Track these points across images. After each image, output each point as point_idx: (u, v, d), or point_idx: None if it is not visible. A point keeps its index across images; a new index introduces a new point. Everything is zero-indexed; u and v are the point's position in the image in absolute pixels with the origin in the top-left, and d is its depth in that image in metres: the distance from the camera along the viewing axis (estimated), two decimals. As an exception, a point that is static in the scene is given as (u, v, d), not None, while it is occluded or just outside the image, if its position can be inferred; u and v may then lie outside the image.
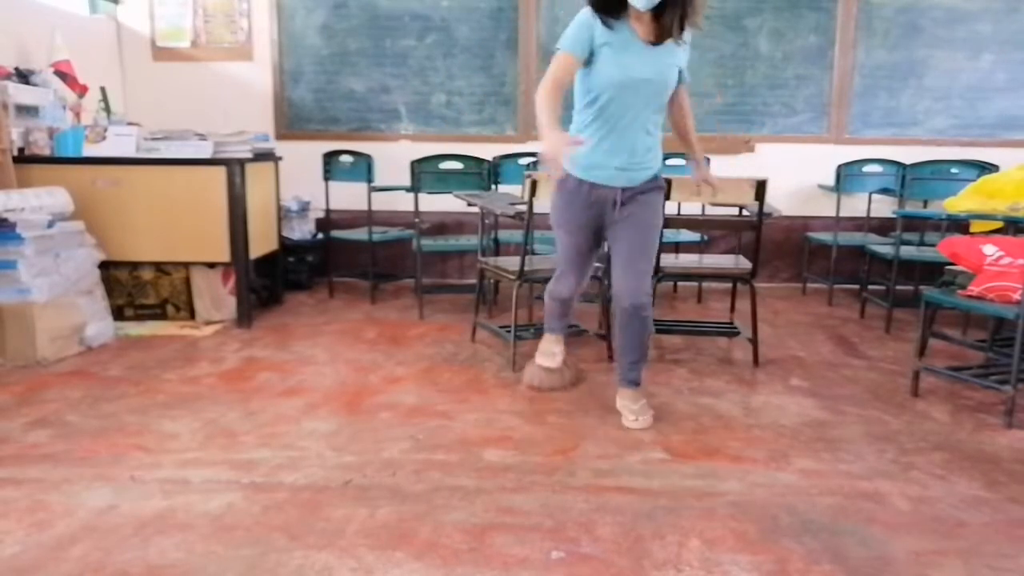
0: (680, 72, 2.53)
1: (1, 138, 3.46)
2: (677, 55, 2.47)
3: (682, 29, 2.39)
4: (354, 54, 5.02)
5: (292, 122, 5.12)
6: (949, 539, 1.89)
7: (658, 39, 2.39)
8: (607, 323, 3.50)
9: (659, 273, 3.35)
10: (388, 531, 1.88)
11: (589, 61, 2.39)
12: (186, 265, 3.90)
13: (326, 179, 4.53)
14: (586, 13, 2.38)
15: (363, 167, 4.39)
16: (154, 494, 2.06)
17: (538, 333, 3.62)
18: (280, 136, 5.01)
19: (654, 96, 2.46)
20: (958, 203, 3.34)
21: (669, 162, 4.66)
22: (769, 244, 4.82)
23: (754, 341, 3.36)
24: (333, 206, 4.58)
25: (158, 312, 3.95)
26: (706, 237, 4.73)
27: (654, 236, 2.58)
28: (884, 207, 4.81)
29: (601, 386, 3.00)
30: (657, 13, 2.35)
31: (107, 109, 4.34)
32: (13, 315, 3.18)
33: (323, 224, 4.75)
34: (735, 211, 3.87)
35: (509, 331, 3.25)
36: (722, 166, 4.82)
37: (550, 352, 2.91)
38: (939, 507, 2.05)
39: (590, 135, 2.46)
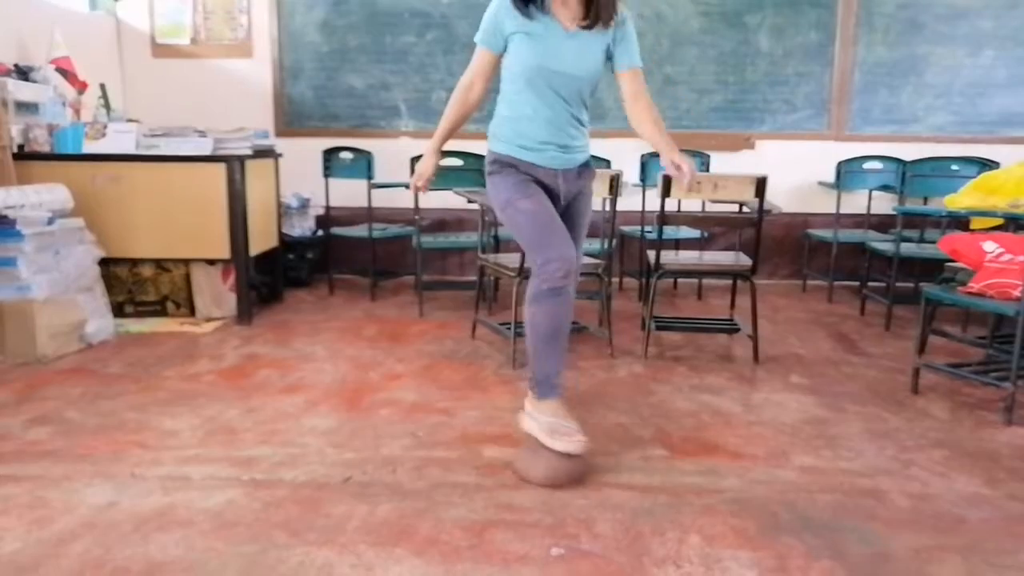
0: (624, 58, 2.29)
1: (1, 135, 3.45)
2: (606, 42, 2.26)
3: (614, 10, 2.21)
4: (354, 51, 5.02)
5: (292, 119, 5.12)
6: (949, 536, 1.89)
7: (588, 22, 2.20)
8: (608, 320, 3.50)
9: (659, 270, 3.36)
10: (388, 528, 1.88)
11: (504, 50, 2.28)
12: (186, 262, 3.89)
13: (326, 176, 4.53)
14: (496, 1, 2.24)
15: (363, 164, 4.39)
16: (154, 491, 2.06)
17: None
18: (280, 133, 5.00)
19: (576, 90, 2.27)
20: (958, 200, 3.34)
21: (669, 159, 4.66)
22: (769, 241, 4.82)
23: (754, 338, 3.36)
24: (333, 203, 4.58)
25: (158, 309, 3.95)
26: (706, 234, 4.73)
27: (586, 226, 2.45)
28: (884, 204, 4.81)
29: (601, 383, 3.00)
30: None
31: (107, 106, 4.33)
32: (13, 312, 3.18)
33: (323, 221, 4.75)
34: (735, 208, 3.87)
35: (509, 328, 3.25)
36: (722, 163, 4.83)
37: (564, 427, 2.16)
38: (939, 504, 2.05)
39: (519, 110, 2.30)
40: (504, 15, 2.23)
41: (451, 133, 2.48)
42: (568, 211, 2.38)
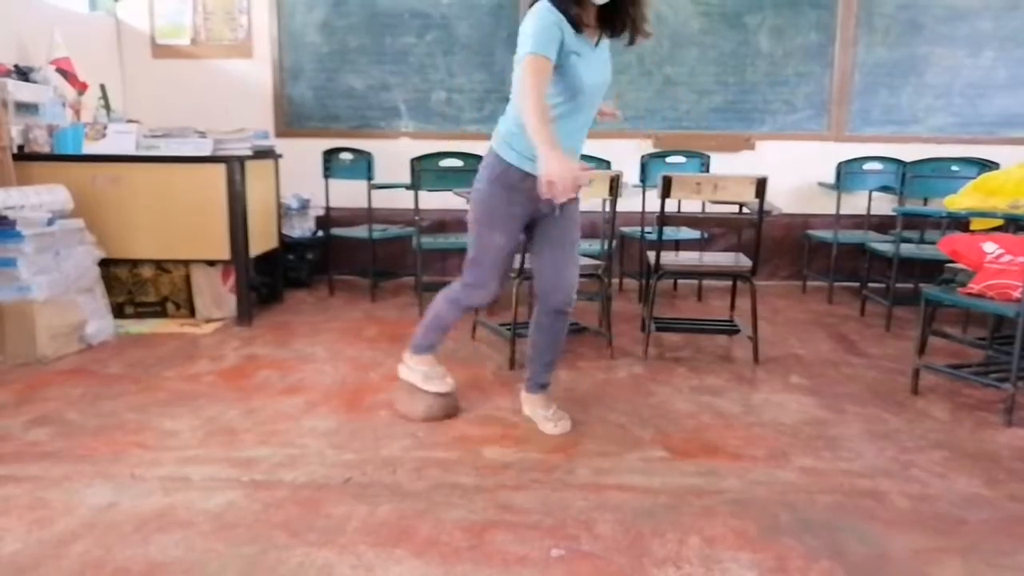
0: None
1: (1, 135, 3.46)
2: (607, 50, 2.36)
3: (634, 30, 2.28)
4: (354, 51, 5.02)
5: (292, 119, 5.12)
6: (949, 537, 1.89)
7: (627, 42, 2.30)
8: (608, 321, 3.50)
9: (659, 271, 3.36)
10: (388, 529, 1.88)
11: (557, 66, 2.18)
12: (186, 263, 3.89)
13: (326, 177, 4.53)
14: (549, 12, 2.15)
15: (363, 165, 4.39)
16: (154, 492, 2.06)
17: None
18: (280, 133, 5.00)
19: (600, 99, 2.38)
20: (958, 201, 3.34)
21: (669, 160, 4.67)
22: (769, 242, 4.82)
23: (754, 339, 3.36)
24: (333, 204, 4.58)
25: (158, 310, 3.95)
26: (706, 235, 4.73)
27: (579, 227, 2.52)
28: (884, 205, 4.81)
29: (601, 384, 3.00)
30: (603, 12, 2.23)
31: (107, 106, 4.34)
32: (13, 313, 3.18)
33: (323, 222, 4.75)
34: (735, 209, 3.87)
35: (509, 329, 3.25)
36: (722, 164, 4.83)
37: (439, 375, 2.65)
38: (939, 505, 2.05)
39: (559, 125, 2.24)
40: (563, 29, 2.16)
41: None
42: (562, 220, 2.44)
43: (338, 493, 2.07)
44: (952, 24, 4.83)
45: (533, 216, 2.43)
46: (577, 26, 2.19)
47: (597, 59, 2.29)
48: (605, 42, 2.33)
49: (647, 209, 4.53)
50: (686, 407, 2.77)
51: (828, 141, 4.97)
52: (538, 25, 2.14)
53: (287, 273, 4.61)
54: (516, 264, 3.16)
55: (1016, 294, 2.59)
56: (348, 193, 4.55)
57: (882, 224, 4.78)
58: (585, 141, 2.43)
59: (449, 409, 2.65)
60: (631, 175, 4.46)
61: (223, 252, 3.79)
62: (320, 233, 4.86)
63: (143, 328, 3.75)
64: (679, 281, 4.95)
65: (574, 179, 2.02)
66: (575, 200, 2.46)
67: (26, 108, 3.78)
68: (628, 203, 4.33)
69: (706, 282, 4.79)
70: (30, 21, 4.17)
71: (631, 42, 2.32)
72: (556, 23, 2.15)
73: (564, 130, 2.27)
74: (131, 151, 3.73)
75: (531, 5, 2.22)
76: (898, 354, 3.48)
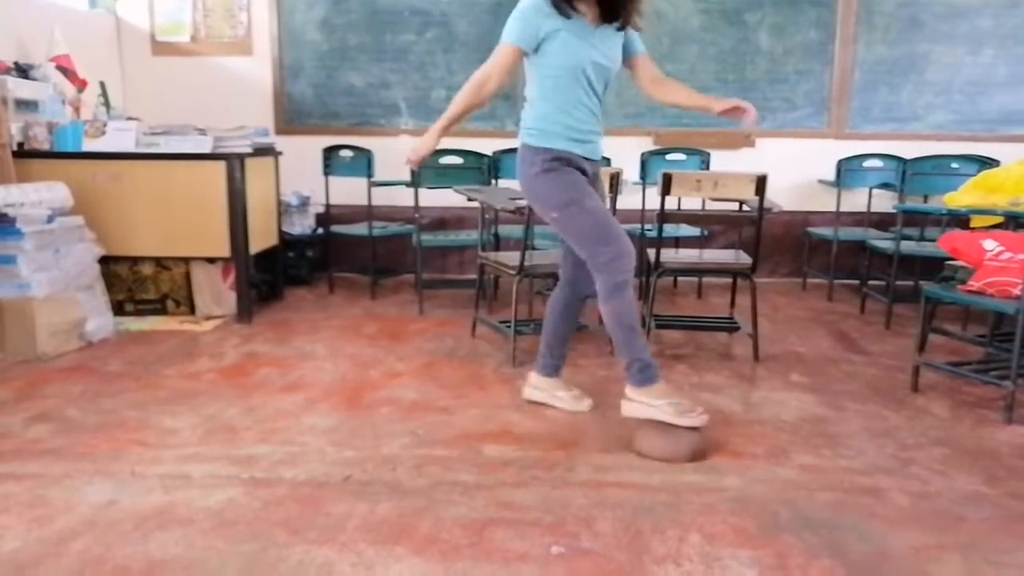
0: (636, 44, 2.54)
1: (1, 132, 3.45)
2: (621, 36, 2.47)
3: (629, 15, 2.40)
4: (354, 49, 5.01)
5: (292, 117, 5.11)
6: (949, 534, 1.89)
7: (606, 19, 2.39)
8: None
9: (659, 268, 3.36)
10: (388, 526, 1.88)
11: (536, 50, 2.37)
12: (186, 260, 3.89)
13: (326, 174, 4.53)
14: (531, 3, 2.34)
15: (363, 162, 4.39)
16: (154, 489, 2.06)
17: (538, 328, 3.62)
18: (280, 131, 5.00)
19: (605, 82, 2.46)
20: (958, 198, 3.34)
21: (669, 157, 4.67)
22: (769, 239, 4.82)
23: (754, 336, 3.36)
24: (333, 201, 4.58)
25: (158, 307, 3.95)
26: (706, 232, 4.73)
27: None
28: (884, 202, 4.81)
29: (601, 381, 3.00)
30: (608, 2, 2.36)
31: (106, 104, 4.33)
32: (13, 310, 3.18)
33: (323, 219, 4.75)
34: (735, 206, 3.87)
35: (509, 326, 3.25)
36: (722, 161, 4.83)
37: (687, 405, 2.33)
38: (939, 502, 2.05)
39: (567, 103, 2.41)
40: (541, 16, 2.34)
41: (457, 121, 2.52)
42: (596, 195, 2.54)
43: (338, 491, 2.07)
44: (952, 21, 4.82)
45: None
46: (563, 12, 2.32)
47: (599, 40, 2.40)
48: (612, 28, 2.42)
49: (647, 206, 4.52)
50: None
51: (828, 138, 4.97)
52: (518, 15, 2.36)
53: (287, 270, 4.61)
54: (518, 262, 3.16)
55: (1016, 291, 2.59)
56: (348, 190, 4.54)
57: (882, 221, 4.78)
58: (600, 128, 2.52)
59: (703, 445, 2.32)
60: (631, 172, 4.45)
61: (223, 249, 3.79)
62: (320, 230, 4.86)
63: (143, 325, 3.75)
64: (679, 278, 4.95)
65: (422, 157, 2.50)
66: (603, 188, 2.63)
67: (26, 105, 3.77)
68: (628, 200, 4.31)
69: (706, 279, 4.79)
70: (30, 18, 4.17)
71: (621, 28, 2.44)
72: (535, 8, 2.33)
73: (585, 113, 2.43)
74: (131, 148, 3.73)
75: None
76: (898, 351, 3.48)
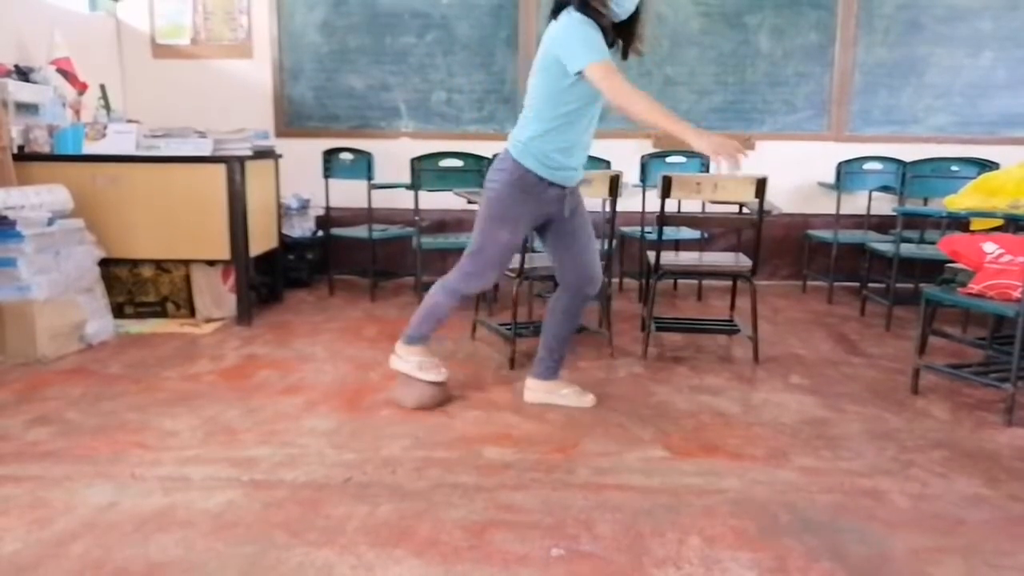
0: None
1: (1, 135, 3.46)
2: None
3: (628, 46, 2.49)
4: (354, 51, 5.02)
5: (292, 119, 5.12)
6: (949, 536, 1.89)
7: (629, 58, 2.51)
8: (608, 320, 3.50)
9: (659, 271, 3.36)
10: (388, 528, 1.88)
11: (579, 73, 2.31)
12: (186, 263, 3.89)
13: (326, 176, 4.53)
14: (590, 23, 2.31)
15: (363, 165, 4.39)
16: (154, 491, 2.06)
17: (538, 331, 3.62)
18: (280, 133, 5.00)
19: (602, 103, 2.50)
20: (958, 201, 3.34)
21: (669, 159, 4.67)
22: (769, 242, 4.82)
23: (754, 339, 3.36)
24: (333, 204, 4.58)
25: (158, 310, 3.95)
26: (706, 234, 4.73)
27: (591, 225, 2.71)
28: (884, 205, 4.81)
29: (601, 383, 3.00)
30: (617, 28, 2.43)
31: (107, 106, 4.34)
32: (13, 313, 3.18)
33: (323, 222, 4.75)
34: (735, 208, 3.87)
35: (509, 329, 3.25)
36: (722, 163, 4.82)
37: (434, 364, 2.71)
38: (939, 504, 2.05)
39: (558, 139, 2.43)
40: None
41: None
42: (574, 219, 2.60)
43: (338, 493, 2.07)
44: (952, 24, 4.83)
45: (545, 219, 2.58)
46: (606, 37, 2.36)
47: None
48: (616, 55, 2.48)
49: (647, 209, 4.53)
50: (686, 407, 2.77)
51: (828, 141, 4.97)
52: (587, 34, 2.29)
53: (287, 273, 4.61)
54: (517, 264, 3.16)
55: (1016, 294, 2.59)
56: (348, 193, 4.55)
57: (882, 224, 4.78)
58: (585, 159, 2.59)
59: (441, 398, 2.72)
60: (631, 175, 4.45)
61: (223, 252, 3.79)
62: (320, 233, 4.86)
63: (143, 328, 3.75)
64: (679, 281, 4.95)
65: (735, 145, 2.30)
66: (580, 201, 2.65)
67: (26, 108, 3.78)
68: (628, 203, 4.33)
69: (706, 282, 4.79)
70: (30, 21, 4.17)
71: (624, 56, 2.52)
72: (597, 31, 2.32)
73: (584, 147, 2.50)
74: (131, 151, 3.73)
75: (554, 14, 2.38)
76: (898, 354, 3.48)
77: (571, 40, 2.29)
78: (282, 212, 4.50)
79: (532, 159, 2.45)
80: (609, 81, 2.27)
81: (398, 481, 2.14)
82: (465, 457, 2.31)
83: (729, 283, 4.04)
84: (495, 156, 4.47)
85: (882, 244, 4.29)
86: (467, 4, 4.93)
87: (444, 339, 3.63)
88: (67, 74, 4.11)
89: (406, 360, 2.71)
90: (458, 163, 4.16)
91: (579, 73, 2.29)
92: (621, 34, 2.46)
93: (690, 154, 4.68)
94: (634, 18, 2.43)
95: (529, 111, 2.47)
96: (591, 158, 4.17)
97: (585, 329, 3.68)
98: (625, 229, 4.66)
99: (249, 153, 3.84)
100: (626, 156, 4.65)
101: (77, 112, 4.16)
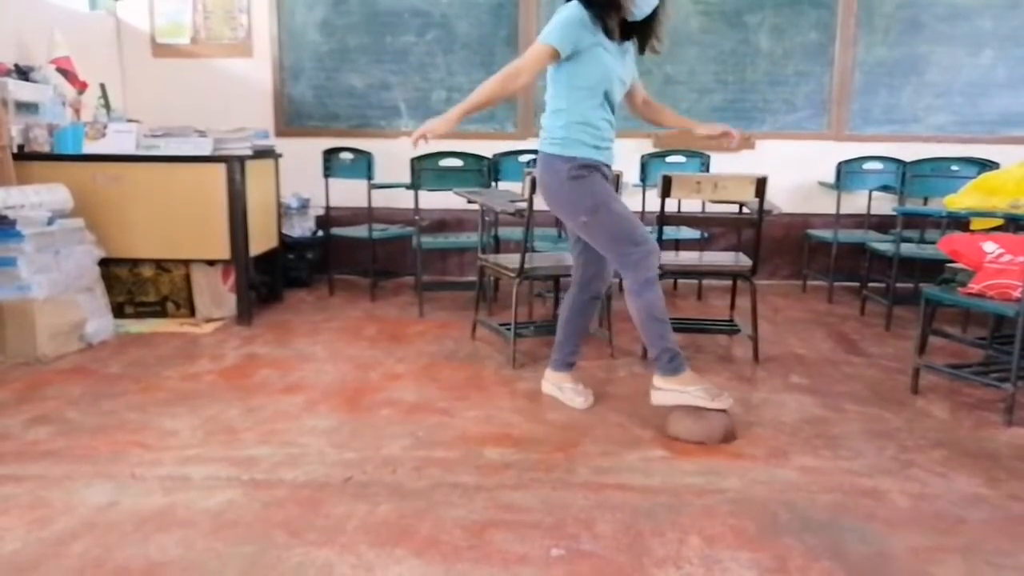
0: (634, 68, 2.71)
1: (1, 134, 3.45)
2: (633, 57, 2.63)
3: (652, 41, 2.57)
4: (354, 50, 5.02)
5: (292, 119, 5.12)
6: (949, 536, 1.89)
7: (625, 38, 2.53)
8: (608, 320, 3.50)
9: (660, 270, 3.35)
10: (388, 528, 1.88)
11: (568, 58, 2.44)
12: (186, 262, 3.89)
13: (326, 176, 4.53)
14: (577, 11, 2.40)
15: (363, 164, 4.39)
16: (154, 491, 2.06)
17: (538, 331, 3.63)
18: (280, 133, 5.00)
19: (621, 95, 2.62)
20: (958, 200, 3.34)
21: (669, 159, 4.67)
22: (769, 241, 4.82)
23: (754, 338, 3.36)
24: (333, 203, 4.58)
25: (158, 309, 3.95)
26: (706, 234, 4.73)
27: None
28: (884, 204, 4.81)
29: (601, 383, 3.00)
30: (626, 23, 2.49)
31: (107, 106, 4.33)
32: (13, 312, 3.18)
33: (323, 221, 4.75)
34: (735, 208, 3.87)
35: (509, 329, 3.25)
36: (722, 163, 4.83)
37: (716, 390, 2.48)
38: (939, 504, 2.05)
39: (592, 119, 2.51)
40: (583, 28, 2.41)
41: (478, 108, 2.54)
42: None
43: (338, 492, 2.07)
44: (952, 23, 4.82)
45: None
46: (606, 30, 2.43)
47: (622, 58, 2.54)
48: (629, 45, 2.57)
49: (647, 209, 4.53)
50: (686, 406, 2.76)
51: (828, 140, 4.97)
52: (561, 19, 2.41)
53: (287, 272, 4.61)
54: (518, 264, 3.16)
55: (1016, 294, 2.59)
56: (348, 193, 4.54)
57: (882, 224, 4.78)
58: (614, 139, 2.62)
59: (732, 426, 2.46)
60: (631, 175, 4.45)
61: (223, 252, 3.79)
62: (320, 233, 4.86)
63: (143, 327, 3.75)
64: (679, 280, 4.95)
65: (434, 135, 2.44)
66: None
67: (26, 107, 3.77)
68: (628, 203, 4.28)
69: (706, 281, 4.79)
70: (30, 20, 4.17)
71: (641, 52, 2.60)
72: (580, 20, 2.39)
73: (607, 125, 2.54)
74: (131, 150, 3.73)
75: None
76: (898, 353, 3.48)
77: (553, 23, 2.44)
78: (282, 212, 4.50)
79: (582, 146, 2.50)
80: (521, 58, 2.46)
81: (398, 480, 2.14)
82: (465, 457, 2.31)
83: (729, 283, 4.04)
84: (495, 155, 4.48)
85: (882, 244, 4.29)
86: (467, 3, 4.92)
87: (444, 339, 3.63)
88: (67, 73, 4.10)
89: (683, 391, 2.47)
90: (458, 163, 4.16)
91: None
92: (639, 32, 2.53)
93: (690, 154, 4.68)
94: (653, 17, 2.49)
95: (553, 107, 2.56)
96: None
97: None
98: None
99: (249, 152, 3.84)
100: (626, 155, 4.62)
101: (77, 111, 4.15)
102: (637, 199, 4.57)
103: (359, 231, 4.49)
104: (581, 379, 2.87)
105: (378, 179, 4.42)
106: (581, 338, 2.86)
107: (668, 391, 2.50)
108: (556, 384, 2.83)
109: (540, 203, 2.94)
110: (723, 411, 2.44)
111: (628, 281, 2.50)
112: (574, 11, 2.41)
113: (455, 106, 2.50)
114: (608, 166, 2.61)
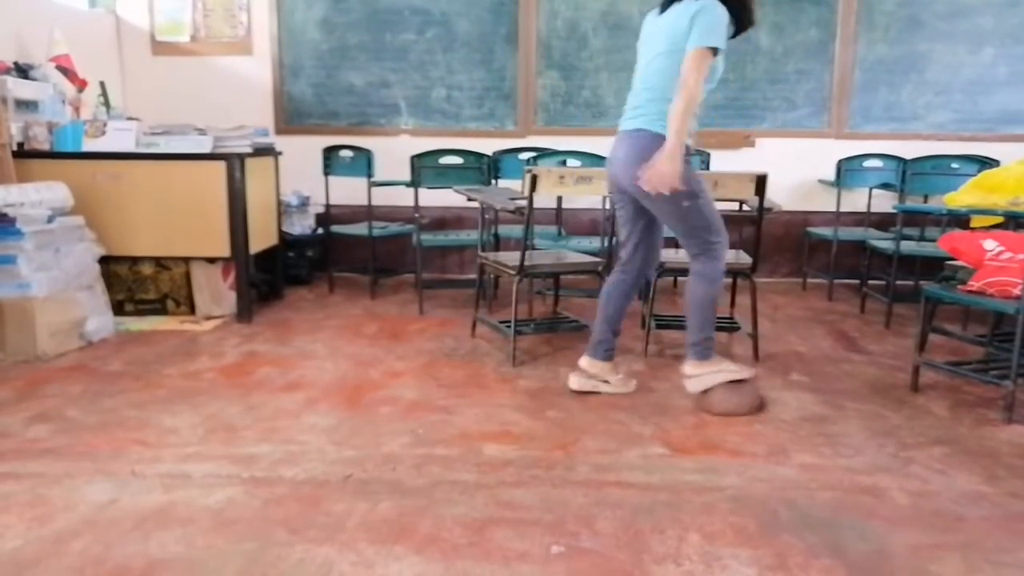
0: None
1: (1, 132, 3.45)
2: None
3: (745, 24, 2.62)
4: (354, 48, 5.02)
5: (292, 117, 5.12)
6: (948, 533, 1.89)
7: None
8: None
9: (660, 268, 3.36)
10: (388, 525, 1.88)
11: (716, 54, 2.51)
12: (186, 260, 3.89)
13: (326, 174, 4.53)
14: (723, 10, 2.46)
15: (363, 162, 4.39)
16: (154, 488, 2.06)
17: (538, 328, 3.63)
18: (280, 131, 5.00)
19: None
20: (958, 198, 3.33)
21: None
22: (769, 239, 4.82)
23: (754, 336, 3.36)
24: (333, 201, 4.58)
25: (158, 307, 3.95)
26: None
27: None
28: (884, 202, 4.81)
29: (601, 381, 3.00)
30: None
31: (106, 104, 4.33)
32: (13, 310, 3.18)
33: (323, 219, 4.75)
34: (735, 206, 3.87)
35: (509, 326, 3.25)
36: (722, 161, 4.83)
37: (738, 365, 2.73)
38: (938, 501, 2.05)
39: (696, 110, 2.57)
40: (728, 26, 2.50)
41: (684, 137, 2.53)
42: None
43: (338, 490, 2.07)
44: (952, 21, 4.82)
45: None
46: (740, 25, 2.53)
47: None
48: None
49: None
50: (686, 404, 2.76)
51: (828, 138, 4.97)
52: (715, 21, 2.45)
53: (287, 270, 4.61)
54: (518, 262, 3.16)
55: (1016, 291, 2.59)
56: (348, 190, 4.54)
57: (882, 221, 4.78)
58: None
59: (756, 396, 2.71)
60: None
61: (223, 249, 3.79)
62: (320, 230, 4.86)
63: (143, 325, 3.76)
64: (679, 278, 4.95)
65: (672, 183, 2.43)
66: None
67: (26, 105, 3.78)
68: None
69: (706, 279, 4.78)
70: (30, 18, 4.17)
71: (736, 33, 2.59)
72: (726, 19, 2.47)
73: (697, 111, 2.56)
74: (131, 148, 3.73)
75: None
76: (898, 351, 3.48)
77: (704, 21, 2.44)
78: (282, 209, 4.50)
79: (688, 135, 2.53)
80: (697, 65, 2.43)
81: (398, 478, 2.14)
82: (465, 454, 2.31)
83: (729, 280, 4.04)
84: (495, 153, 4.46)
85: (882, 241, 4.29)
86: (467, 1, 4.92)
87: (444, 336, 3.63)
88: (67, 71, 4.10)
89: (720, 370, 2.67)
90: (458, 160, 4.16)
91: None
92: (747, 18, 2.57)
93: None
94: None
95: (653, 91, 2.56)
96: (591, 156, 4.20)
97: (585, 327, 3.68)
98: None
99: (249, 150, 3.84)
100: (626, 153, 4.64)
101: (77, 109, 4.15)
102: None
103: (359, 229, 4.49)
104: (554, 397, 2.81)
105: (378, 177, 4.42)
106: (621, 323, 2.88)
107: (704, 375, 2.66)
108: (600, 377, 2.84)
109: (539, 201, 2.90)
110: (745, 379, 2.67)
111: (705, 268, 2.62)
112: (721, 11, 2.46)
113: (671, 143, 2.44)
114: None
